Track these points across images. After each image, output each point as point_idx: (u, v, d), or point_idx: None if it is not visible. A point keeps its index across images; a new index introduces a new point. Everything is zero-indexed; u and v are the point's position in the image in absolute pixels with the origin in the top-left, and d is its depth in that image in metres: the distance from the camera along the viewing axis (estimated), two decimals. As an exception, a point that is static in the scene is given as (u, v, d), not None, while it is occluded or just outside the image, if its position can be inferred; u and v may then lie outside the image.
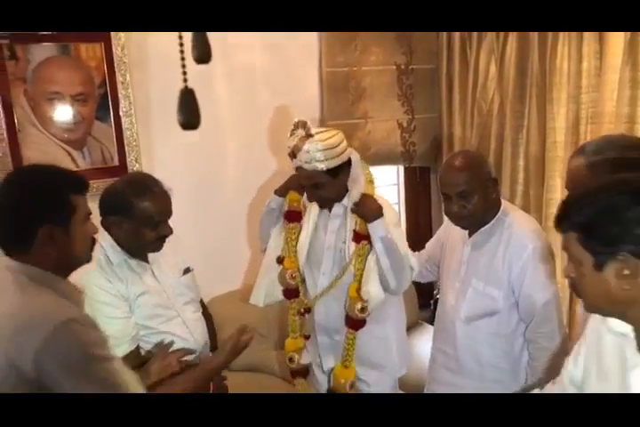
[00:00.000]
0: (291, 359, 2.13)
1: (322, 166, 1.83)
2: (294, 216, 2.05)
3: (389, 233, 1.87)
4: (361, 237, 1.91)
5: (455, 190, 1.71)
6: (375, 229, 1.86)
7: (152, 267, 1.74)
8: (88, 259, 1.33)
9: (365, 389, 2.07)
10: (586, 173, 1.35)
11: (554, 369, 1.68)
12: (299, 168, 1.88)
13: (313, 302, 2.04)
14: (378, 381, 2.10)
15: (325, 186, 1.88)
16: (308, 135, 1.83)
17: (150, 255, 1.74)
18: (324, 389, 2.12)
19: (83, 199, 1.28)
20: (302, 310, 2.08)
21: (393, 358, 2.08)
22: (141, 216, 1.62)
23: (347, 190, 1.95)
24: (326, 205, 1.98)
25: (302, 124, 1.86)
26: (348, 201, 1.94)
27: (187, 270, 1.84)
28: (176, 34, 2.57)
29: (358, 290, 1.91)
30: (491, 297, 1.76)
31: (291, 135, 1.88)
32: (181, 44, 1.51)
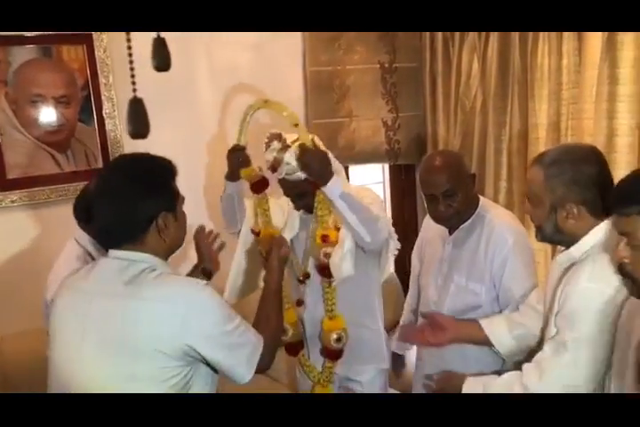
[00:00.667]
0: (284, 331, 1.99)
1: (303, 176, 1.80)
2: (260, 185, 1.95)
3: (348, 189, 1.79)
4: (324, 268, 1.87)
5: (440, 190, 1.72)
6: (331, 189, 1.74)
7: None
8: (183, 242, 1.38)
9: (359, 389, 2.07)
10: (542, 183, 1.37)
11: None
12: (281, 180, 1.86)
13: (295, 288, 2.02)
14: (372, 379, 2.09)
15: (309, 194, 1.85)
16: (286, 147, 1.81)
17: None
18: (308, 384, 2.11)
19: (176, 184, 1.34)
20: (301, 278, 2.00)
21: (384, 351, 2.08)
22: None
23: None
24: (310, 212, 1.93)
25: (277, 137, 1.84)
26: None
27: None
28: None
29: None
30: (473, 292, 1.77)
31: (267, 148, 1.86)
32: (130, 51, 1.53)
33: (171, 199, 1.30)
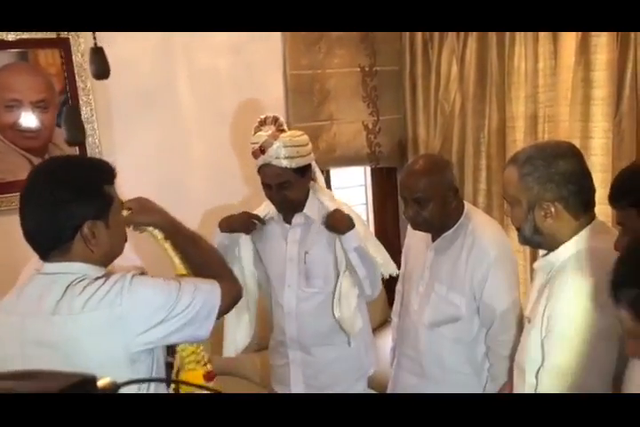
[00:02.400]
0: None
1: (292, 164, 1.80)
2: None
3: (362, 243, 1.86)
4: None
5: (411, 195, 1.70)
6: (349, 240, 1.83)
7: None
8: (121, 251, 1.29)
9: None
10: (517, 182, 1.35)
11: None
12: (265, 166, 1.82)
13: (279, 317, 1.99)
14: (348, 388, 2.07)
15: (292, 186, 1.84)
16: (281, 131, 1.80)
17: None
18: (282, 382, 2.08)
19: (114, 189, 1.24)
20: None
21: (364, 367, 2.07)
22: None
23: (307, 197, 1.92)
24: (289, 209, 1.92)
25: (274, 120, 1.82)
26: (310, 210, 1.92)
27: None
28: (136, 40, 2.56)
29: None
30: (453, 304, 1.74)
31: (256, 132, 1.83)
32: (72, 57, 1.53)
33: (101, 206, 1.19)
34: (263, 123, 1.84)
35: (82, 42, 2.34)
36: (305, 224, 1.94)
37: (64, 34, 2.28)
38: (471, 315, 1.73)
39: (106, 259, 1.24)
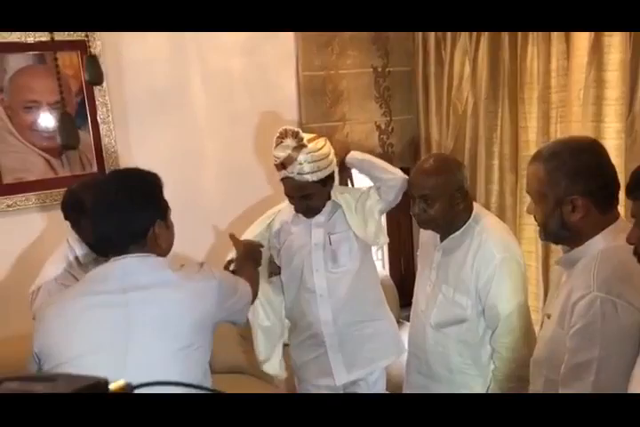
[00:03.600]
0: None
1: (313, 178, 1.83)
2: None
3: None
4: None
5: (418, 193, 1.72)
6: (353, 156, 2.04)
7: None
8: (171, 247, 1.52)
9: (365, 388, 2.11)
10: (544, 178, 1.32)
11: (516, 379, 1.70)
12: (288, 179, 1.86)
13: (310, 305, 2.02)
14: (376, 380, 2.14)
15: (315, 195, 1.89)
16: (302, 146, 1.81)
17: None
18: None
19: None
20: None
21: (399, 338, 2.18)
22: None
23: (328, 199, 1.99)
24: (312, 215, 1.98)
25: (293, 134, 1.83)
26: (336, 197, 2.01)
27: None
28: (150, 42, 2.63)
29: None
30: (460, 305, 1.75)
31: (277, 145, 1.85)
32: (57, 69, 1.66)
33: (164, 209, 1.44)
34: (284, 136, 1.85)
35: (98, 44, 2.38)
36: (331, 209, 2.01)
37: (81, 36, 2.32)
38: (477, 317, 1.74)
39: (166, 253, 1.47)
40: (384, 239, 2.09)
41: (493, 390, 1.75)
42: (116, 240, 1.37)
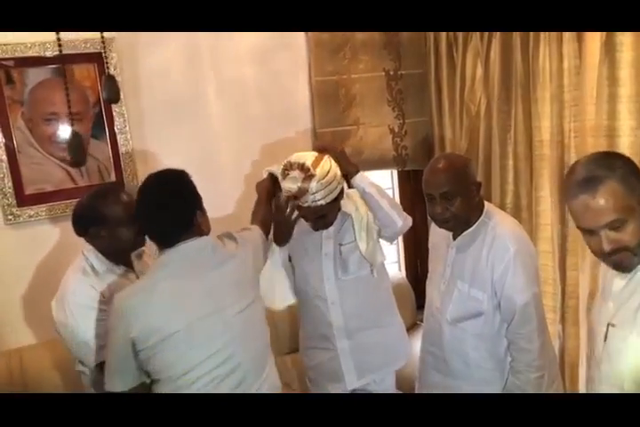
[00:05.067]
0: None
1: (327, 200, 1.87)
2: None
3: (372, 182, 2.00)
4: None
5: (439, 191, 1.73)
6: (361, 179, 1.97)
7: (138, 272, 1.85)
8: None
9: (375, 388, 2.15)
10: (616, 192, 1.23)
11: (535, 369, 1.73)
12: (304, 208, 1.90)
13: (321, 311, 2.06)
14: (387, 386, 2.18)
15: (328, 214, 1.96)
16: (310, 176, 1.83)
17: (137, 263, 1.88)
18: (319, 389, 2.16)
19: None
20: None
21: (407, 344, 2.23)
22: (112, 219, 1.76)
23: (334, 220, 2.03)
24: (326, 228, 2.03)
25: (299, 166, 1.85)
26: (345, 208, 2.03)
27: None
28: (166, 52, 2.68)
29: None
30: (475, 299, 1.78)
31: (285, 177, 1.88)
32: (66, 85, 1.77)
33: (199, 200, 1.66)
34: (289, 168, 1.88)
35: (114, 56, 2.43)
36: (340, 220, 2.04)
37: (97, 48, 2.38)
38: (493, 310, 1.77)
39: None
40: (381, 258, 2.11)
41: (511, 382, 1.76)
42: (169, 233, 1.59)
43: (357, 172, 1.97)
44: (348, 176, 1.97)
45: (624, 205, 1.23)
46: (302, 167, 1.84)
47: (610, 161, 1.29)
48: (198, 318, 1.55)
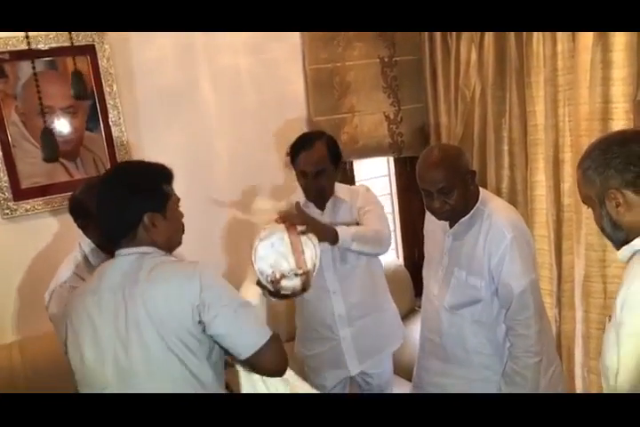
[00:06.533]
0: None
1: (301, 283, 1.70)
2: None
3: (353, 230, 1.92)
4: None
5: (435, 187, 1.72)
6: (343, 241, 1.86)
7: None
8: (180, 241, 1.49)
9: (372, 382, 2.20)
10: (582, 181, 1.31)
11: (533, 354, 1.74)
12: (304, 151, 2.01)
13: (324, 301, 2.09)
14: (384, 370, 2.23)
15: (327, 174, 2.02)
16: (306, 273, 1.72)
17: None
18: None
19: (171, 188, 1.46)
20: None
21: (401, 327, 2.31)
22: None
23: (332, 193, 2.10)
24: (321, 196, 2.08)
25: (288, 272, 1.64)
26: (340, 193, 2.12)
27: None
28: (158, 43, 2.69)
29: None
30: (473, 286, 1.78)
31: (277, 286, 1.69)
32: (38, 88, 1.76)
33: (159, 200, 1.41)
34: (279, 278, 1.68)
35: (107, 48, 2.43)
36: (335, 208, 2.10)
37: (89, 41, 2.37)
38: (491, 297, 1.78)
39: (167, 246, 1.44)
40: None
41: (510, 367, 1.78)
42: (111, 233, 1.41)
43: (335, 235, 1.83)
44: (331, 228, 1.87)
45: (584, 194, 1.32)
46: (291, 271, 1.64)
47: (590, 149, 1.31)
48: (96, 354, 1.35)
